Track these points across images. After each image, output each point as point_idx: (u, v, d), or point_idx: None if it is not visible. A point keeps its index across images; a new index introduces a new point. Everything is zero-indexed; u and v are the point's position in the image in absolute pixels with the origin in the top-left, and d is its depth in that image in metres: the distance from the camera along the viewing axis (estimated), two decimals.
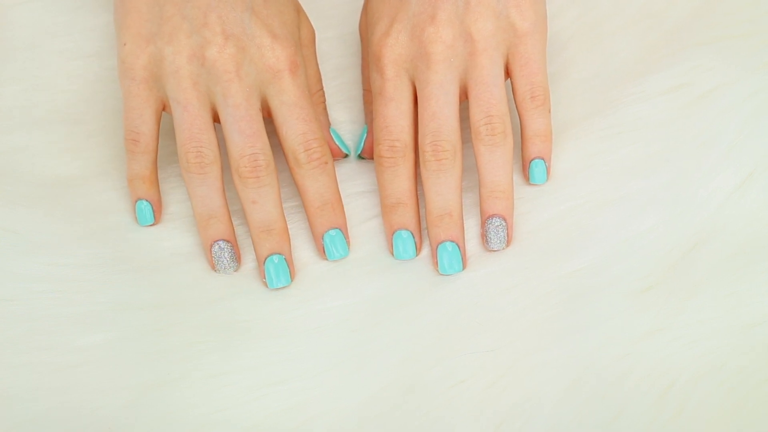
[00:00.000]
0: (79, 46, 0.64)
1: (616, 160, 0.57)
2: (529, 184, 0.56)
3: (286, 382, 0.50)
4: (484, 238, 0.54)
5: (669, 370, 0.48)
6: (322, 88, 0.60)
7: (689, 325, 0.50)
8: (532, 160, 0.56)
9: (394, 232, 0.55)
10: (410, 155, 0.54)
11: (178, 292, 0.53)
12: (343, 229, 0.55)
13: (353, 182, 0.58)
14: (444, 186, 0.53)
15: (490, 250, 0.54)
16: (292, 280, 0.54)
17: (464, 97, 0.55)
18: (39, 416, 0.48)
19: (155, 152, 0.55)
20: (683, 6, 0.63)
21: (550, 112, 0.55)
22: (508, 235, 0.54)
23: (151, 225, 0.56)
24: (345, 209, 0.56)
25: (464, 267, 0.54)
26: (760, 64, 0.59)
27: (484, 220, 0.54)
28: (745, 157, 0.55)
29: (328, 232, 0.54)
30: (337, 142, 0.59)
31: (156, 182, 0.56)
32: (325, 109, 0.60)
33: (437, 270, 0.54)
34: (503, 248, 0.54)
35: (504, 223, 0.54)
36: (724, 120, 0.57)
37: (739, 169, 0.55)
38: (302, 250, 0.55)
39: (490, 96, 0.53)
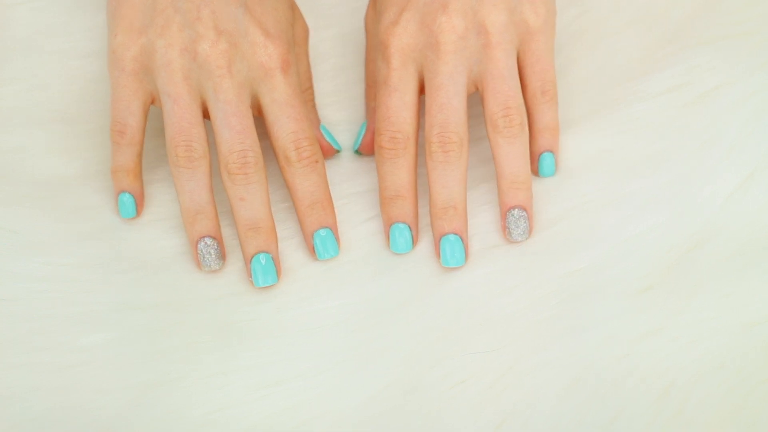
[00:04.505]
0: (78, 45, 0.64)
1: (616, 160, 0.57)
2: (537, 176, 0.57)
3: (285, 382, 0.50)
4: (506, 230, 0.54)
5: (669, 370, 0.48)
6: (311, 86, 0.60)
7: (689, 325, 0.50)
8: (541, 153, 0.56)
9: (391, 225, 0.55)
10: (411, 148, 0.54)
11: (178, 292, 0.53)
12: (333, 229, 0.55)
13: (353, 182, 0.58)
14: (450, 178, 0.53)
15: (513, 242, 0.54)
16: (278, 279, 0.54)
17: (472, 89, 0.55)
18: (39, 416, 0.48)
19: (141, 145, 0.55)
20: (684, 5, 0.63)
21: (557, 104, 0.56)
22: (530, 226, 0.54)
23: (133, 218, 0.56)
24: (345, 209, 0.56)
25: (466, 260, 0.54)
26: (761, 64, 0.59)
27: (505, 211, 0.54)
28: (745, 157, 0.55)
29: (318, 231, 0.54)
30: (327, 139, 0.59)
31: (140, 175, 0.56)
32: (314, 106, 0.60)
33: (440, 262, 0.54)
34: (525, 239, 0.54)
35: (525, 214, 0.54)
36: (724, 120, 0.57)
37: (740, 169, 0.55)
38: (302, 249, 0.55)
39: (508, 88, 0.53)
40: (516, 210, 0.54)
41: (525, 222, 0.54)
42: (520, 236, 0.54)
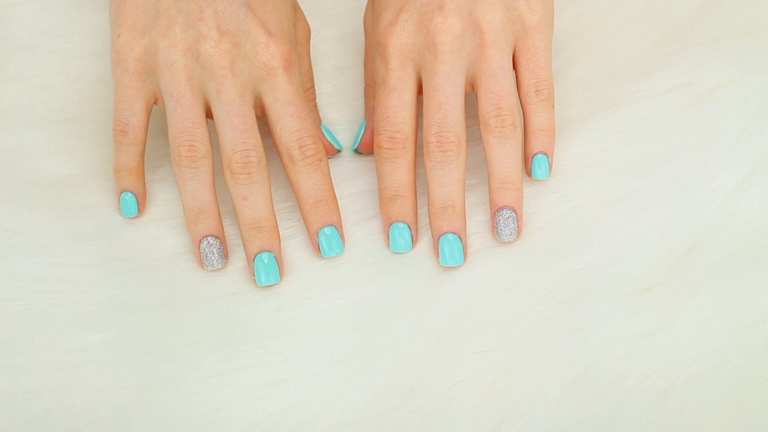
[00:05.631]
0: (79, 45, 0.64)
1: (616, 160, 0.57)
2: (531, 179, 0.56)
3: (285, 382, 0.50)
4: (494, 230, 0.54)
5: (669, 370, 0.48)
6: (313, 86, 0.60)
7: (689, 325, 0.50)
8: (534, 155, 0.55)
9: (390, 224, 0.55)
10: (410, 147, 0.54)
11: (178, 292, 0.53)
12: (338, 227, 0.55)
13: (353, 182, 0.58)
14: (447, 178, 0.53)
15: (501, 242, 0.54)
16: (281, 278, 0.54)
17: (469, 88, 0.55)
18: (39, 416, 0.48)
19: (143, 144, 0.55)
20: (684, 5, 0.63)
21: (553, 107, 0.55)
22: (518, 227, 0.54)
23: (135, 217, 0.56)
24: (345, 208, 0.56)
25: (465, 259, 0.54)
26: (761, 64, 0.59)
27: (494, 211, 0.54)
28: (745, 157, 0.55)
29: (323, 229, 0.54)
30: (329, 139, 0.59)
31: (142, 175, 0.56)
32: (315, 106, 0.60)
33: (438, 261, 0.54)
34: (513, 240, 0.54)
35: (514, 215, 0.54)
36: (725, 119, 0.57)
37: (740, 169, 0.55)
38: (302, 249, 0.55)
39: (500, 88, 0.53)
40: (505, 210, 0.54)
41: (514, 223, 0.54)
42: (508, 237, 0.54)
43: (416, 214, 0.55)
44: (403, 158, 0.54)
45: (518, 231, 0.54)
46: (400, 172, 0.54)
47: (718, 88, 0.58)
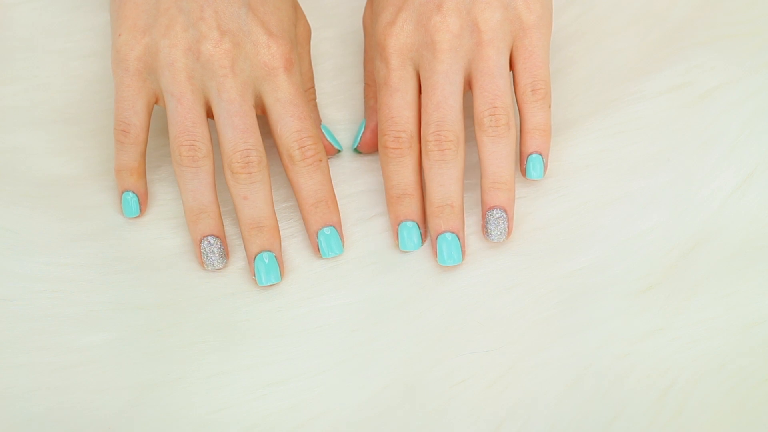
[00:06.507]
0: (79, 45, 0.64)
1: (616, 160, 0.57)
2: (526, 179, 0.56)
3: (285, 382, 0.50)
4: (485, 229, 0.54)
5: (669, 370, 0.48)
6: (313, 86, 0.60)
7: (689, 325, 0.50)
8: (529, 154, 0.55)
9: (399, 223, 0.55)
10: (415, 146, 0.54)
11: (178, 292, 0.53)
12: (338, 227, 0.55)
13: (353, 182, 0.58)
14: (446, 177, 0.53)
15: (491, 242, 0.54)
16: (282, 278, 0.54)
17: (467, 87, 0.55)
18: (39, 416, 0.48)
19: (144, 144, 0.55)
20: (684, 5, 0.63)
21: (550, 107, 0.55)
22: (508, 228, 0.54)
23: (136, 217, 0.56)
24: (345, 208, 0.56)
25: (463, 258, 0.54)
26: (762, 64, 0.59)
27: (485, 211, 0.54)
28: (745, 157, 0.55)
29: (323, 230, 0.54)
30: (329, 139, 0.59)
31: (143, 174, 0.56)
32: (315, 106, 0.60)
33: (436, 261, 0.54)
34: (503, 240, 0.54)
35: (505, 215, 0.54)
36: (725, 119, 0.57)
37: (740, 169, 0.55)
38: (302, 249, 0.55)
39: (495, 87, 0.53)
40: (496, 210, 0.54)
41: (504, 223, 0.54)
42: (498, 237, 0.54)
43: (424, 212, 0.55)
44: (409, 157, 0.54)
45: (508, 232, 0.54)
46: (407, 171, 0.54)
47: (718, 88, 0.58)
